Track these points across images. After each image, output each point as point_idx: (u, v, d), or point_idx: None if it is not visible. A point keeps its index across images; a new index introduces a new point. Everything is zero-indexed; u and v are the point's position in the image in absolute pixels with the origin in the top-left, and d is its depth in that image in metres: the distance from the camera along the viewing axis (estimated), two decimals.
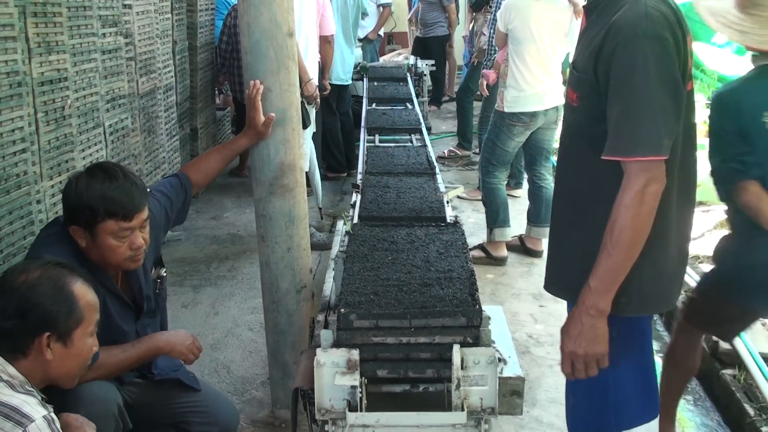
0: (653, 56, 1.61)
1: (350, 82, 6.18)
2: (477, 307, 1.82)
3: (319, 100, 4.93)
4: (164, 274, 2.36)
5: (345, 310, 1.80)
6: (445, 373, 1.77)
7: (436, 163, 3.47)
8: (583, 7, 1.88)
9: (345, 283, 1.98)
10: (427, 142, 4.01)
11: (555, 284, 1.95)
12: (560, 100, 4.40)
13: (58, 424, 1.59)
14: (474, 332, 1.79)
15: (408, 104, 5.28)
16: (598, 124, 1.70)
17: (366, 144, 4.00)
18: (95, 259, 2.07)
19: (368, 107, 5.07)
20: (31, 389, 1.63)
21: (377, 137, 4.19)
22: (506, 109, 4.36)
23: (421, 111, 5.15)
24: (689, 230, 1.87)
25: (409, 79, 6.35)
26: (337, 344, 1.79)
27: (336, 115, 6.01)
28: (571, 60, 1.93)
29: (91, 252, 2.05)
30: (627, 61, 1.62)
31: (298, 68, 4.38)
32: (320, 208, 5.07)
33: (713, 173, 2.30)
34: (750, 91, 2.24)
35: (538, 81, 4.30)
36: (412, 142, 4.14)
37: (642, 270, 1.71)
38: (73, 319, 1.70)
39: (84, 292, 1.75)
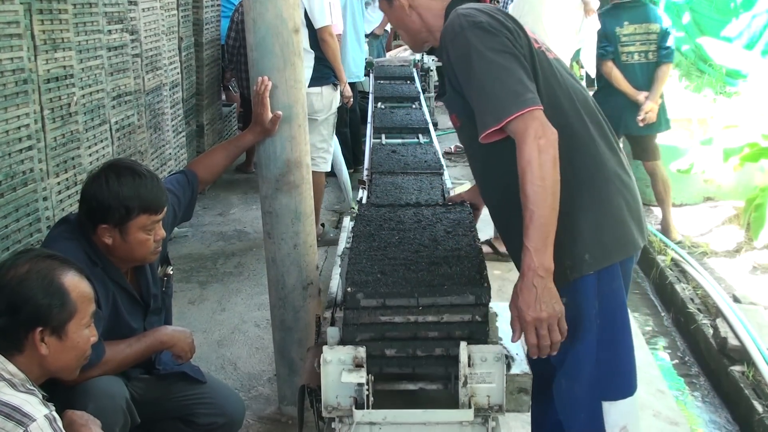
0: (476, 38, 1.73)
1: (363, 78, 6.18)
2: (485, 284, 1.80)
3: (351, 99, 4.96)
4: (171, 272, 2.37)
5: (352, 289, 1.78)
6: (454, 351, 1.75)
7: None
8: (431, 50, 2.04)
9: (351, 262, 1.95)
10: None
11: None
12: None
13: (59, 423, 1.57)
14: (482, 310, 1.77)
15: (421, 136, 3.87)
16: None
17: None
18: (120, 255, 2.09)
19: (374, 139, 3.80)
20: (32, 388, 1.62)
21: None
22: None
23: (428, 107, 4.99)
24: (628, 169, 1.92)
25: (422, 101, 4.98)
26: (343, 341, 1.79)
27: (345, 111, 6.00)
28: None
29: (117, 249, 2.07)
30: (460, 52, 1.75)
31: (333, 67, 4.48)
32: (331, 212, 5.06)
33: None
34: (608, 15, 4.74)
35: None
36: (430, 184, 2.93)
37: (591, 221, 1.79)
38: (66, 312, 1.67)
39: (76, 284, 1.71)
